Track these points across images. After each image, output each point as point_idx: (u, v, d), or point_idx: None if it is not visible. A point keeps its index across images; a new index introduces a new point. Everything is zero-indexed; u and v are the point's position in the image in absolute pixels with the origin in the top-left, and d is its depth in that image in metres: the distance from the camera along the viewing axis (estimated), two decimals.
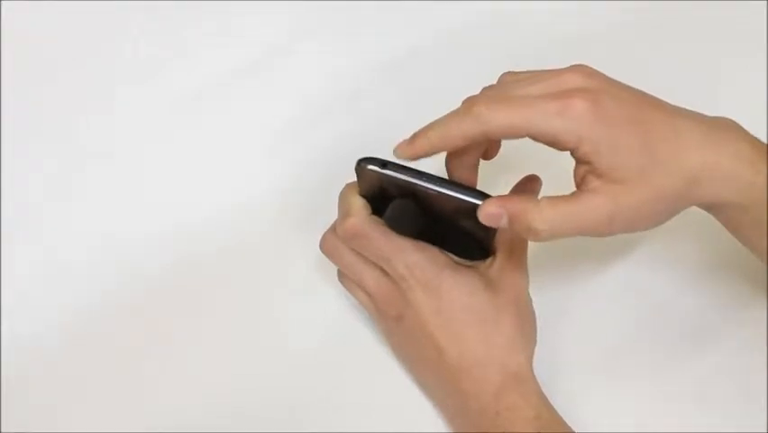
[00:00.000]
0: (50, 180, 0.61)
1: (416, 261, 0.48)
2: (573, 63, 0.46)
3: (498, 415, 0.47)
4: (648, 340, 0.54)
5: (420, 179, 0.46)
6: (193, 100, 0.63)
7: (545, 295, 0.52)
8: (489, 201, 0.45)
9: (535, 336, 0.50)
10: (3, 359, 0.55)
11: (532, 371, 0.49)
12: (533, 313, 0.51)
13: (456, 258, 0.50)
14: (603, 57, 0.64)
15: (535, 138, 0.44)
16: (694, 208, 0.46)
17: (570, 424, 0.48)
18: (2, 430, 0.53)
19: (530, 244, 0.51)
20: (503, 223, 0.44)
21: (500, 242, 0.50)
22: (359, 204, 0.49)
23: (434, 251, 0.49)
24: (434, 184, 0.46)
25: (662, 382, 0.53)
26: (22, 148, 0.62)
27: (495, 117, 0.43)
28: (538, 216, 0.43)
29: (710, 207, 0.46)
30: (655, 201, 0.43)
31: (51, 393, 0.54)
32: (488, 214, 0.45)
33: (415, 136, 0.45)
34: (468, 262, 0.50)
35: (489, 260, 0.50)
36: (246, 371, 0.54)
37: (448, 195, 0.46)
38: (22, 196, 0.60)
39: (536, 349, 0.50)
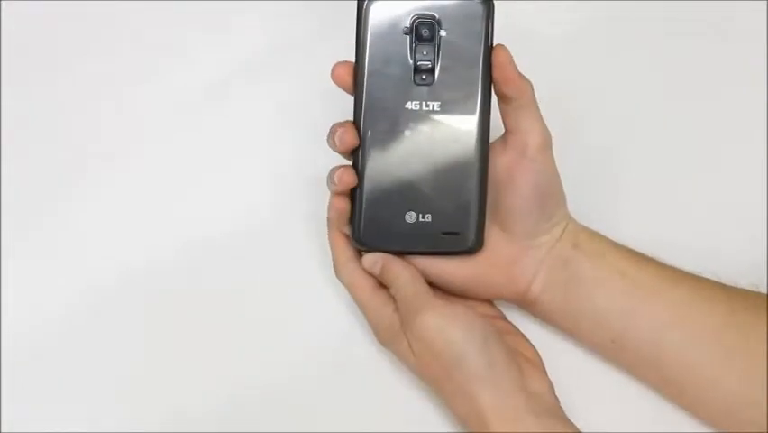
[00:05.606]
0: (50, 181, 0.61)
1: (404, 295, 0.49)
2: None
3: None
4: None
5: None
6: (194, 100, 0.63)
7: None
8: None
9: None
10: (3, 359, 0.55)
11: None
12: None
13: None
14: (602, 56, 0.64)
15: None
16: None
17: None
18: (2, 430, 0.53)
19: None
20: None
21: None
22: (339, 251, 0.51)
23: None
24: None
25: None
26: (23, 148, 0.62)
27: None
28: None
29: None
30: None
31: (51, 394, 0.54)
32: None
33: None
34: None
35: None
36: (248, 371, 0.55)
37: None
38: (23, 196, 0.60)
39: None
